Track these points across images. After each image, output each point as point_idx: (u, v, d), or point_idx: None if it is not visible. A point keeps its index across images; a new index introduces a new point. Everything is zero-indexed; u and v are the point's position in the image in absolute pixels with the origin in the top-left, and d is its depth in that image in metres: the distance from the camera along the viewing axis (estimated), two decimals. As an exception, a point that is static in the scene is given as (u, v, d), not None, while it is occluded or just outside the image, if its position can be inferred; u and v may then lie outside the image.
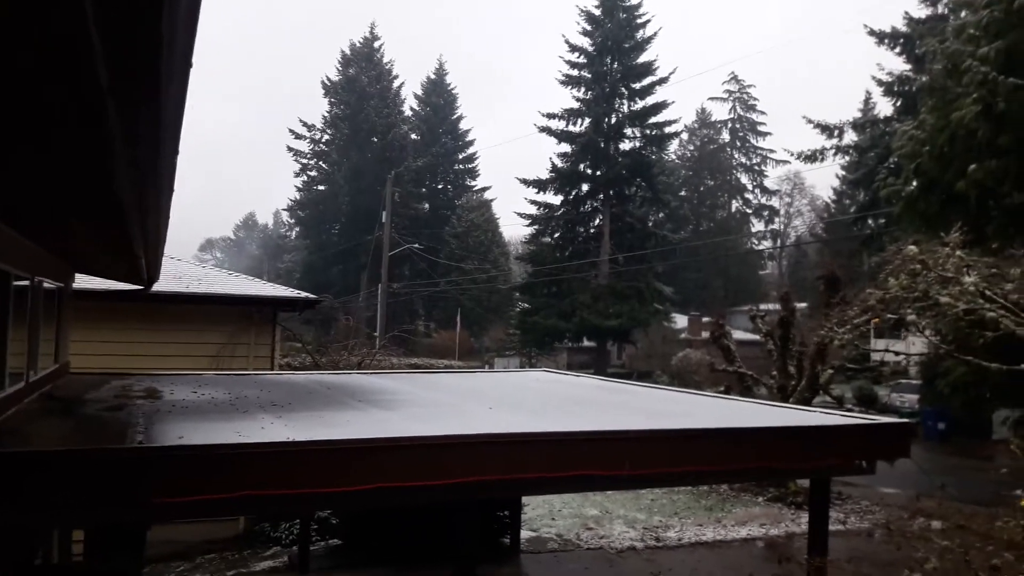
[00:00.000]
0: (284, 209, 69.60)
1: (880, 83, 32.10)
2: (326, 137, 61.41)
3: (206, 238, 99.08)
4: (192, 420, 6.03)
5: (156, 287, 9.98)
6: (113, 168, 3.14)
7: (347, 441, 4.97)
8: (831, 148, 34.79)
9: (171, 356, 11.54)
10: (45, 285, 7.30)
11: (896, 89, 31.64)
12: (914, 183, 16.91)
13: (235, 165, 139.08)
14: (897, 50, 31.41)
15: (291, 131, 61.03)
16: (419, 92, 66.55)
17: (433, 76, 66.70)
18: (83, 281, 10.13)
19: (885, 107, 34.59)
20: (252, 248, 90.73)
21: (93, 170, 3.47)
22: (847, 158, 37.23)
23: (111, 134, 2.54)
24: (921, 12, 30.80)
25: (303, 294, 13.48)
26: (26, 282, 6.28)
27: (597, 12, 48.07)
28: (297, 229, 67.40)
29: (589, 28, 48.07)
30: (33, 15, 1.70)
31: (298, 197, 62.63)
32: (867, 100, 49.96)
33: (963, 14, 18.42)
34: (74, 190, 4.16)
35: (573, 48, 48.08)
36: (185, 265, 13.81)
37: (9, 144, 3.09)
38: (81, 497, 4.14)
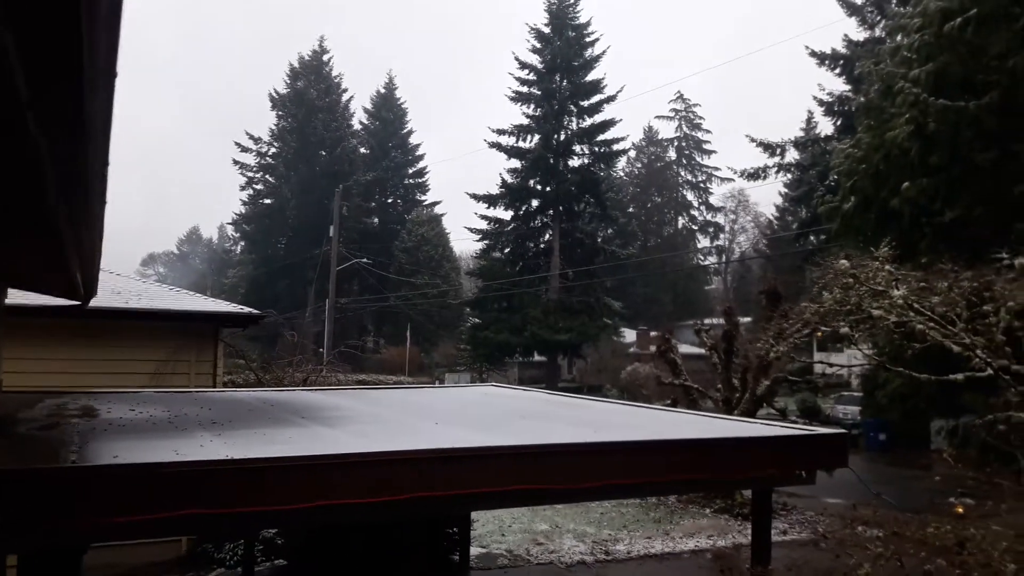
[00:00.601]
0: (229, 223, 68.44)
1: (821, 103, 33.19)
2: (273, 150, 60.63)
3: (148, 253, 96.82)
4: (129, 439, 5.86)
5: (94, 302, 9.70)
6: (43, 184, 3.06)
7: (288, 459, 4.88)
8: (773, 166, 35.83)
9: (109, 373, 11.19)
10: (-26, 300, 7.04)
11: (836, 109, 32.73)
12: (851, 200, 17.49)
13: (179, 178, 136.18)
14: (837, 71, 32.52)
15: (237, 144, 60.18)
16: (368, 106, 66.32)
17: (383, 90, 66.55)
18: (17, 297, 9.79)
19: (826, 126, 35.85)
20: (196, 263, 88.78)
21: (20, 185, 3.37)
22: (789, 176, 38.30)
23: (36, 148, 2.47)
24: (860, 35, 31.98)
25: (246, 309, 13.23)
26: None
27: (547, 30, 48.66)
28: (242, 244, 66.24)
29: (539, 46, 48.63)
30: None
31: (244, 211, 61.62)
32: (809, 120, 51.34)
33: (898, 37, 19.19)
34: (2, 206, 4.03)
35: (523, 65, 48.57)
36: (125, 280, 13.44)
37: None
38: (13, 520, 3.98)
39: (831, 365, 18.84)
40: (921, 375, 9.39)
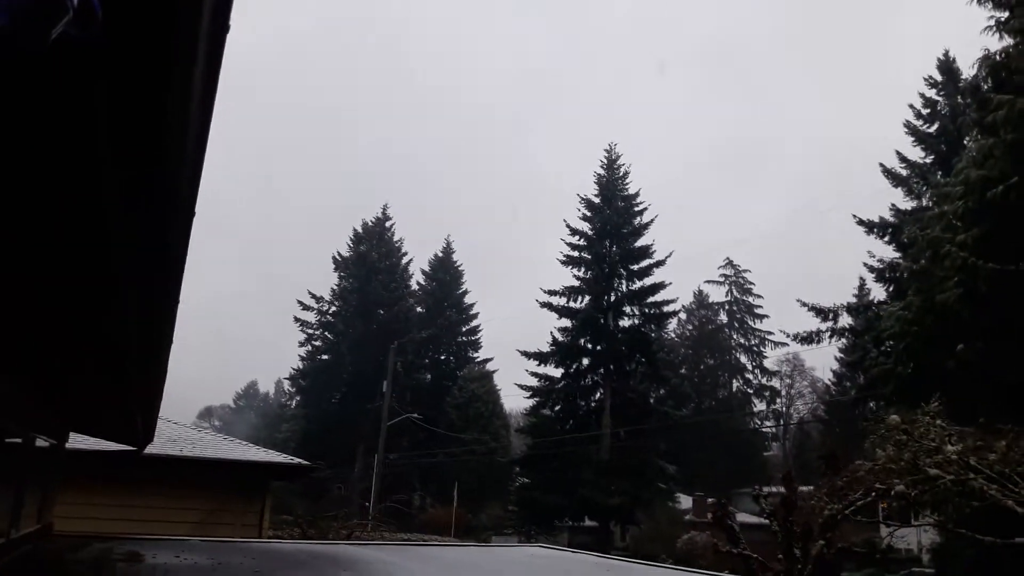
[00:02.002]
0: (286, 378, 69.78)
1: (871, 269, 33.28)
2: (334, 309, 62.70)
3: (206, 406, 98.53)
4: (171, 582, 5.89)
5: (150, 449, 9.97)
6: (124, 317, 3.36)
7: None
8: (827, 331, 35.50)
9: (158, 521, 11.28)
10: (38, 443, 7.34)
11: (887, 276, 32.75)
12: (904, 361, 17.20)
13: (240, 334, 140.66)
14: (886, 239, 32.86)
15: (300, 302, 62.46)
16: (426, 268, 68.78)
17: (441, 254, 69.17)
18: (76, 440, 10.12)
19: (878, 292, 35.73)
20: (251, 417, 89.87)
21: (98, 315, 3.68)
22: (844, 341, 37.81)
23: (116, 275, 2.76)
24: (907, 204, 32.54)
25: (296, 460, 13.35)
26: (18, 439, 6.34)
27: (596, 200, 50.69)
28: (297, 398, 67.16)
29: (589, 214, 50.48)
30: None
31: (301, 366, 62.98)
32: (861, 286, 51.35)
33: (944, 207, 19.55)
34: (81, 340, 4.36)
35: (574, 231, 50.23)
36: (181, 428, 13.79)
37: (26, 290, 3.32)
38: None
39: (888, 538, 17.72)
40: (985, 537, 8.84)
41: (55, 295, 3.43)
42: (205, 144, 1.96)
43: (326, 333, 62.67)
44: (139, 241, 2.36)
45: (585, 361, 48.21)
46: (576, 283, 49.05)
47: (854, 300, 42.71)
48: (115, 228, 2.25)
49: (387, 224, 65.62)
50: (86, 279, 2.98)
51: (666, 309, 49.43)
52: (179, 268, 2.48)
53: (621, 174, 51.77)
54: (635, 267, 49.05)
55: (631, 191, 51.06)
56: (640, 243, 49.54)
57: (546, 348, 48.26)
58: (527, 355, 48.29)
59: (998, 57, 15.90)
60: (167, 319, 3.20)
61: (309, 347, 62.89)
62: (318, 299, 62.78)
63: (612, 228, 49.54)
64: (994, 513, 8.46)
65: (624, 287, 49.22)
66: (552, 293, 48.62)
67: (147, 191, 2.04)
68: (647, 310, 48.72)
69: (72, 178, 2.02)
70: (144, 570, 6.41)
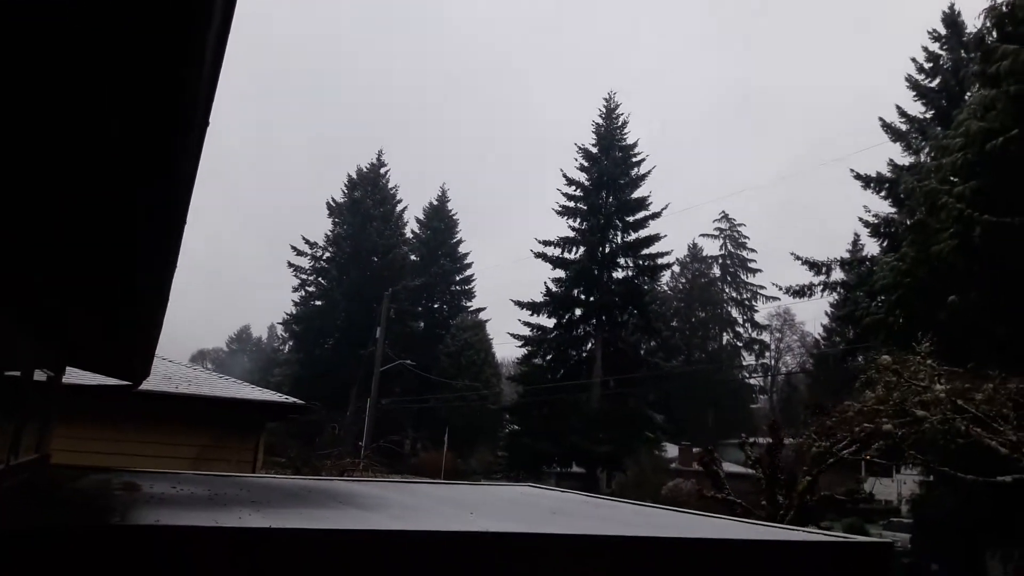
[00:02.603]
0: (279, 323, 70.01)
1: (867, 224, 33.28)
2: (327, 255, 62.58)
3: (199, 349, 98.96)
4: (170, 509, 6.00)
5: (145, 385, 10.04)
6: (133, 255, 3.36)
7: (325, 531, 4.95)
8: (819, 285, 35.71)
9: (153, 456, 11.41)
10: (35, 376, 7.39)
11: (882, 231, 32.77)
12: (896, 313, 17.37)
13: (233, 279, 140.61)
14: (883, 194, 32.77)
15: (293, 247, 62.32)
16: (421, 216, 68.52)
17: (436, 202, 68.84)
18: (73, 375, 10.18)
19: (872, 248, 35.84)
20: (244, 361, 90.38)
21: (110, 250, 3.68)
22: (835, 295, 38.04)
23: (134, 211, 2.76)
24: (905, 159, 32.40)
25: (291, 399, 13.49)
26: (16, 372, 6.39)
27: (594, 150, 50.32)
28: (291, 343, 67.48)
29: (586, 164, 50.19)
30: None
31: (295, 311, 63.11)
32: (855, 241, 51.39)
33: (943, 160, 19.49)
34: (82, 264, 4.34)
35: (570, 182, 50.00)
36: (176, 366, 13.87)
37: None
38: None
39: (869, 492, 18.08)
40: (967, 475, 9.06)
41: (56, 220, 3.42)
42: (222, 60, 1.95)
43: (320, 279, 62.67)
44: (147, 156, 2.35)
45: (578, 312, 48.49)
46: (571, 234, 49.07)
47: (847, 255, 42.92)
48: (121, 139, 2.24)
49: (382, 171, 65.13)
50: (89, 198, 2.98)
51: (660, 262, 49.57)
52: (188, 186, 2.47)
53: (619, 124, 51.35)
54: (630, 219, 49.00)
55: (629, 142, 50.74)
56: (636, 195, 49.42)
57: (539, 298, 48.54)
58: (520, 305, 48.53)
59: (1004, 8, 15.71)
60: (173, 240, 3.19)
61: (303, 292, 63.01)
62: (312, 245, 62.64)
63: (609, 179, 49.33)
64: (976, 455, 8.66)
65: (619, 239, 49.27)
66: (547, 244, 48.67)
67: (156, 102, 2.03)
68: (641, 262, 48.84)
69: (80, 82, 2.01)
70: (141, 498, 6.53)
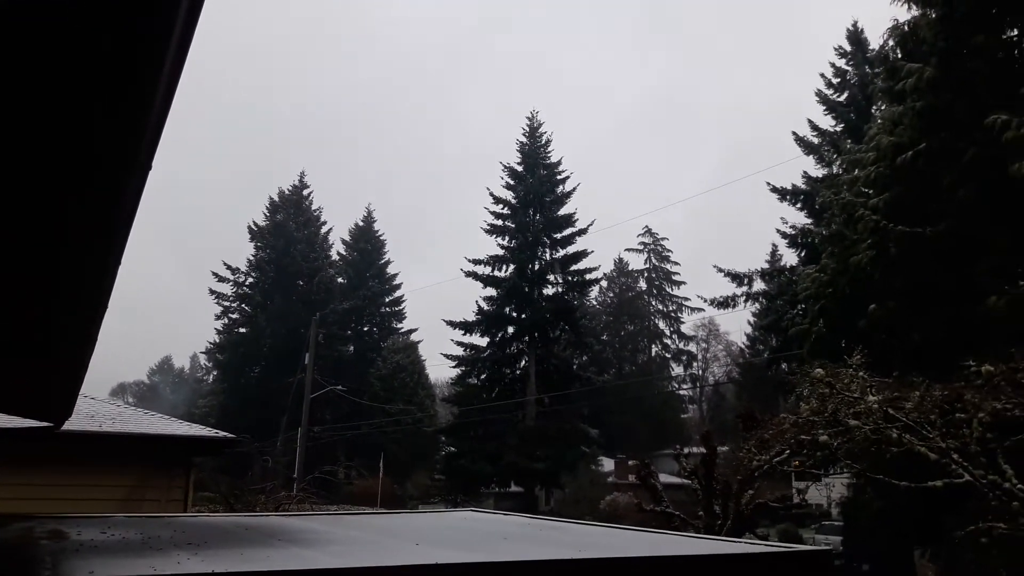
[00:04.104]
0: (203, 352, 67.87)
1: (784, 235, 34.46)
2: (250, 280, 61.08)
3: (119, 382, 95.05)
4: (103, 557, 5.69)
5: (67, 425, 9.56)
6: (55, 296, 3.19)
7: (270, 573, 4.78)
8: (742, 295, 36.64)
9: (77, 500, 10.85)
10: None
11: (799, 241, 33.96)
12: (820, 323, 18.03)
13: (151, 309, 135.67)
14: (799, 205, 34.02)
15: (214, 274, 60.61)
16: (347, 238, 67.61)
17: (361, 223, 68.06)
18: (-15, 419, 9.61)
19: (791, 258, 37.08)
20: (167, 393, 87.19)
21: (31, 297, 3.49)
22: (758, 305, 39.13)
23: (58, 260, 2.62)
24: (818, 172, 33.73)
25: (221, 434, 13.03)
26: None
27: (520, 168, 50.78)
28: (215, 373, 65.45)
29: (512, 183, 50.57)
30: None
31: (218, 340, 61.27)
32: (774, 252, 53.25)
33: (855, 171, 20.39)
34: (15, 316, 4.12)
35: (497, 200, 50.25)
36: (98, 403, 13.26)
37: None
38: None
39: (802, 494, 18.67)
40: (900, 482, 9.45)
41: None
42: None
43: (243, 305, 61.04)
44: (90, 193, 2.25)
45: (510, 329, 48.61)
46: (501, 252, 49.24)
47: (767, 265, 44.29)
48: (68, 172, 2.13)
49: (305, 192, 64.11)
50: (17, 231, 2.82)
51: (588, 277, 50.24)
52: (127, 224, 2.35)
53: (543, 142, 51.98)
54: (558, 235, 49.53)
55: (553, 159, 51.41)
56: (563, 212, 50.03)
57: (472, 317, 48.44)
58: (452, 325, 48.35)
59: (906, 28, 16.61)
60: (105, 279, 3.05)
61: (226, 320, 61.24)
62: (234, 270, 61.02)
63: (535, 197, 49.80)
64: (906, 461, 9.03)
65: (548, 255, 49.72)
66: (477, 262, 48.69)
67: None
68: (570, 278, 49.38)
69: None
70: (70, 547, 6.18)
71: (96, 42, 1.60)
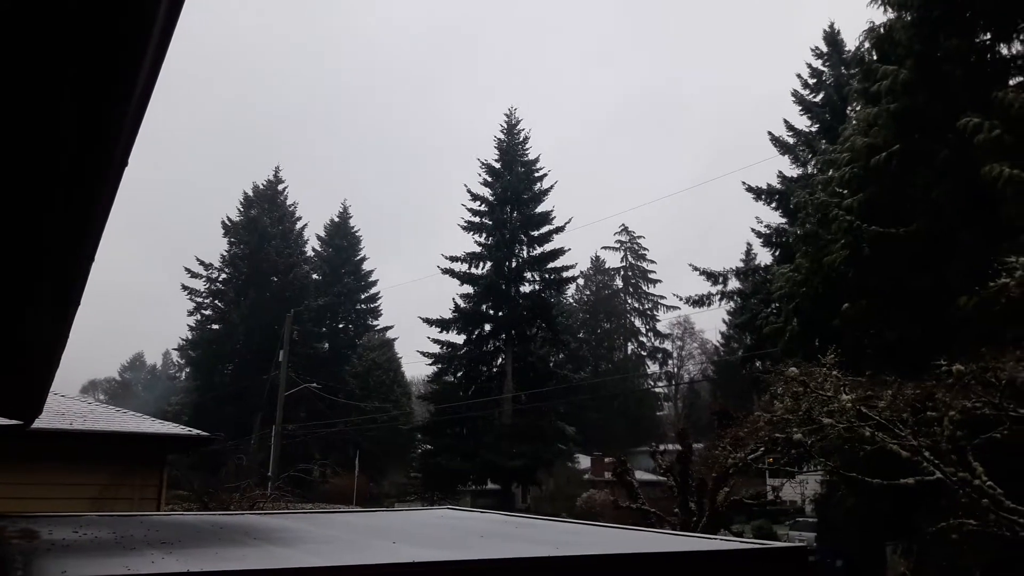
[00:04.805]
0: (175, 348, 67.08)
1: (759, 235, 34.75)
2: (224, 276, 60.40)
3: (89, 379, 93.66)
4: (75, 557, 5.60)
5: (37, 423, 9.38)
6: (32, 295, 3.12)
7: (245, 572, 4.72)
8: (717, 294, 36.89)
9: (48, 499, 10.67)
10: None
11: (774, 240, 34.29)
12: (794, 322, 18.23)
13: (122, 304, 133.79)
14: (773, 205, 34.32)
15: (187, 270, 59.85)
16: (322, 234, 67.13)
17: (337, 219, 67.61)
18: (-47, 416, 9.41)
19: (765, 257, 37.40)
20: (139, 390, 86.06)
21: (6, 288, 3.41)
22: (733, 304, 39.42)
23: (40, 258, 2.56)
24: (793, 172, 34.06)
25: (195, 431, 12.87)
26: None
27: (497, 165, 50.74)
28: (188, 370, 64.70)
29: (490, 180, 50.52)
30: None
31: (191, 336, 60.56)
32: (748, 251, 53.73)
33: (829, 172, 20.63)
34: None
35: (475, 197, 50.17)
36: (69, 401, 13.04)
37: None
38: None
39: (776, 489, 18.87)
40: (872, 480, 9.58)
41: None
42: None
43: (216, 302, 60.31)
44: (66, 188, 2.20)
45: (487, 327, 48.58)
46: (478, 249, 49.18)
47: (742, 264, 44.65)
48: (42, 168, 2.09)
49: (279, 187, 63.51)
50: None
51: (565, 275, 50.36)
52: (101, 221, 2.30)
53: (521, 139, 52.00)
54: (535, 233, 49.59)
55: (531, 157, 51.44)
56: (540, 209, 50.09)
57: (448, 315, 48.32)
58: (429, 322, 48.22)
59: (882, 30, 16.84)
60: (79, 277, 2.99)
61: (199, 316, 60.50)
62: (207, 266, 60.25)
63: (513, 194, 49.81)
64: (879, 459, 9.16)
65: (525, 253, 49.77)
66: (454, 259, 48.61)
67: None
68: (547, 276, 49.46)
69: None
70: (42, 546, 6.07)
71: (75, 38, 1.56)
